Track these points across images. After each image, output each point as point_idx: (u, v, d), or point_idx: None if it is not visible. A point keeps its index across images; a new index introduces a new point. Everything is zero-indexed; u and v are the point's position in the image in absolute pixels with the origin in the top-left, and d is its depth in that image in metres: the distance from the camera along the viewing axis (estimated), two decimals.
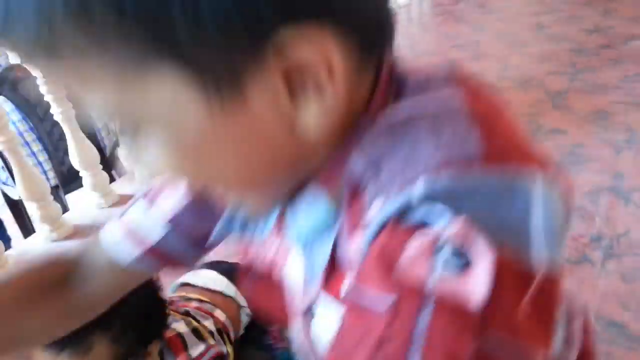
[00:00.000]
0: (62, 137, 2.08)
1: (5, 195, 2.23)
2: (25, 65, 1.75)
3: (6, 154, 1.70)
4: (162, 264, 0.53)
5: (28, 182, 1.72)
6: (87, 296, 0.52)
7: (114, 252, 0.52)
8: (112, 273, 0.53)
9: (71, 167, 2.10)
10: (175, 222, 0.51)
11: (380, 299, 0.31)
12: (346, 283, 0.39)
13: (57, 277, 0.52)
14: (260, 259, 0.49)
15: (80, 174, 1.95)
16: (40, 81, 1.76)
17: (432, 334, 0.29)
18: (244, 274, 0.52)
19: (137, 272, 0.53)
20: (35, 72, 1.75)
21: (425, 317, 0.29)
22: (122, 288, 0.56)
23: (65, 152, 2.09)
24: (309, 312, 0.45)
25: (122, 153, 0.38)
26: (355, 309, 0.33)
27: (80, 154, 1.88)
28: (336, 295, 0.40)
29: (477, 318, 0.29)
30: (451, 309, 0.29)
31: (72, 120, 1.85)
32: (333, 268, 0.40)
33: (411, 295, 0.30)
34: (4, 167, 2.10)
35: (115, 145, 2.33)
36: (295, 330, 0.49)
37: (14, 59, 1.72)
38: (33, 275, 0.51)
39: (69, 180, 2.14)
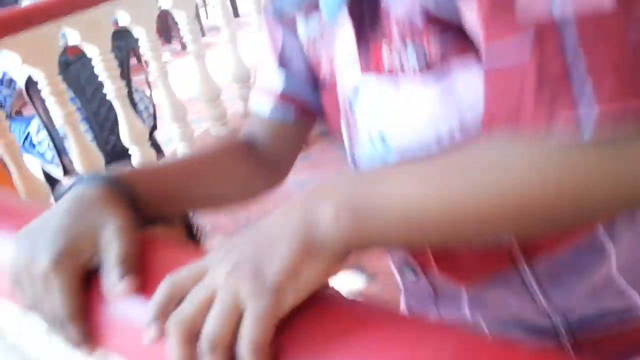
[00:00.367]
0: (107, 117, 2.17)
1: (46, 175, 2.30)
2: (80, 46, 1.84)
3: (66, 128, 1.78)
4: (298, 111, 0.58)
5: (85, 155, 1.80)
6: (266, 156, 0.59)
7: (260, 112, 0.59)
8: (270, 130, 0.59)
9: (115, 147, 2.18)
10: (283, 65, 0.57)
11: (518, 46, 0.30)
12: (386, 54, 0.41)
13: (241, 146, 0.59)
14: (325, 61, 0.52)
15: (130, 151, 2.03)
16: (96, 60, 1.84)
17: (585, 50, 0.29)
18: (321, 91, 0.56)
19: (284, 123, 0.58)
20: (90, 52, 1.84)
21: (570, 40, 0.29)
22: (287, 143, 0.61)
23: (110, 132, 2.18)
24: (351, 99, 0.47)
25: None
26: (496, 71, 0.32)
27: (130, 130, 1.96)
28: (377, 70, 0.42)
29: (619, 13, 0.28)
30: (590, 20, 0.29)
31: (124, 97, 1.93)
32: (367, 43, 0.42)
33: (546, 27, 0.29)
34: (51, 146, 2.18)
35: (154, 128, 2.41)
36: (344, 127, 0.51)
37: (72, 40, 1.80)
38: (228, 146, 0.59)
39: (112, 159, 2.22)
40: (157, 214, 0.45)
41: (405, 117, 0.41)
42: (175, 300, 0.32)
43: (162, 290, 0.32)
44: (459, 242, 0.35)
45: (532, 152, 0.30)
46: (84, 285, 0.37)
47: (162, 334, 0.31)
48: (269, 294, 0.28)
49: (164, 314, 0.31)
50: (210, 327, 0.29)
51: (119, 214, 0.39)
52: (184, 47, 5.12)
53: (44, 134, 2.20)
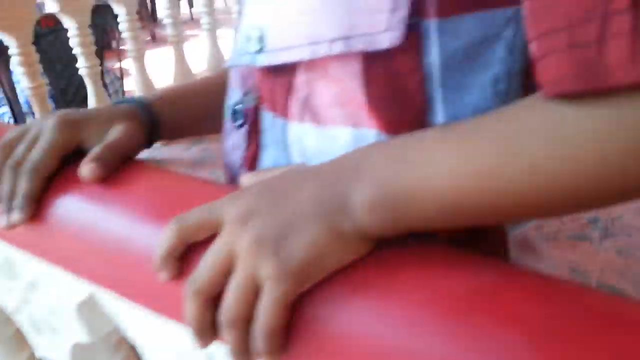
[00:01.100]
0: (75, 96, 2.09)
1: None
2: (58, 16, 1.77)
3: (33, 101, 1.71)
4: None
5: None
6: None
7: None
8: None
9: None
10: None
11: None
12: None
13: None
14: None
15: None
16: (72, 33, 1.78)
17: None
18: None
19: None
20: (68, 25, 1.78)
21: None
22: None
23: None
24: None
25: None
26: None
27: None
28: None
29: None
30: None
31: (96, 75, 1.87)
32: None
33: None
34: (12, 122, 2.09)
35: None
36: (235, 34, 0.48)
37: (50, 8, 1.73)
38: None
39: None
40: (173, 137, 0.51)
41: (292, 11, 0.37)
42: (183, 246, 0.31)
43: (171, 234, 0.31)
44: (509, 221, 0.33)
45: (620, 118, 0.23)
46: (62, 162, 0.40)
47: (173, 277, 0.32)
48: (290, 279, 0.27)
49: (173, 257, 0.31)
50: (229, 302, 0.28)
51: (132, 126, 0.43)
52: (153, 38, 5.04)
53: (4, 109, 2.10)
